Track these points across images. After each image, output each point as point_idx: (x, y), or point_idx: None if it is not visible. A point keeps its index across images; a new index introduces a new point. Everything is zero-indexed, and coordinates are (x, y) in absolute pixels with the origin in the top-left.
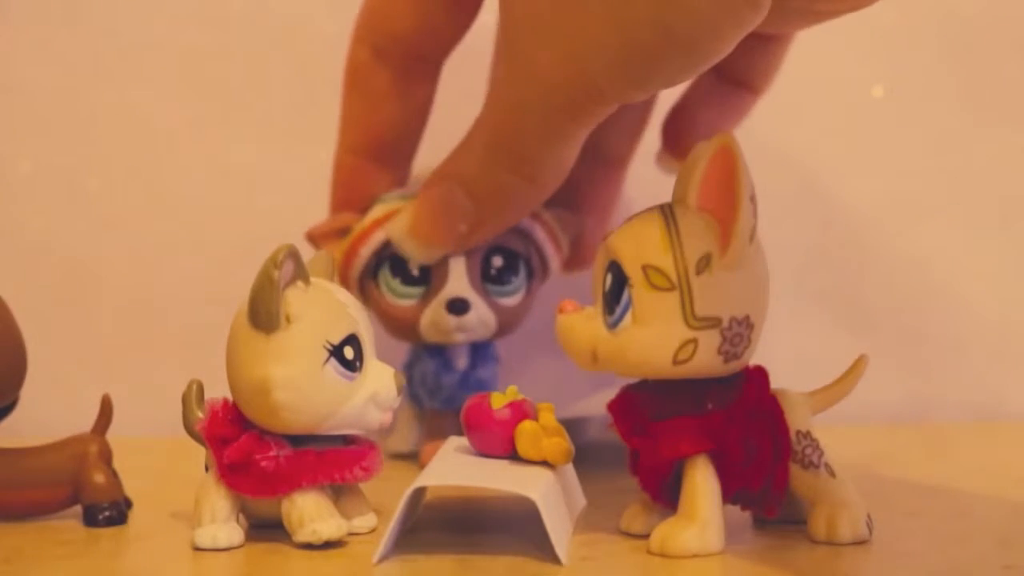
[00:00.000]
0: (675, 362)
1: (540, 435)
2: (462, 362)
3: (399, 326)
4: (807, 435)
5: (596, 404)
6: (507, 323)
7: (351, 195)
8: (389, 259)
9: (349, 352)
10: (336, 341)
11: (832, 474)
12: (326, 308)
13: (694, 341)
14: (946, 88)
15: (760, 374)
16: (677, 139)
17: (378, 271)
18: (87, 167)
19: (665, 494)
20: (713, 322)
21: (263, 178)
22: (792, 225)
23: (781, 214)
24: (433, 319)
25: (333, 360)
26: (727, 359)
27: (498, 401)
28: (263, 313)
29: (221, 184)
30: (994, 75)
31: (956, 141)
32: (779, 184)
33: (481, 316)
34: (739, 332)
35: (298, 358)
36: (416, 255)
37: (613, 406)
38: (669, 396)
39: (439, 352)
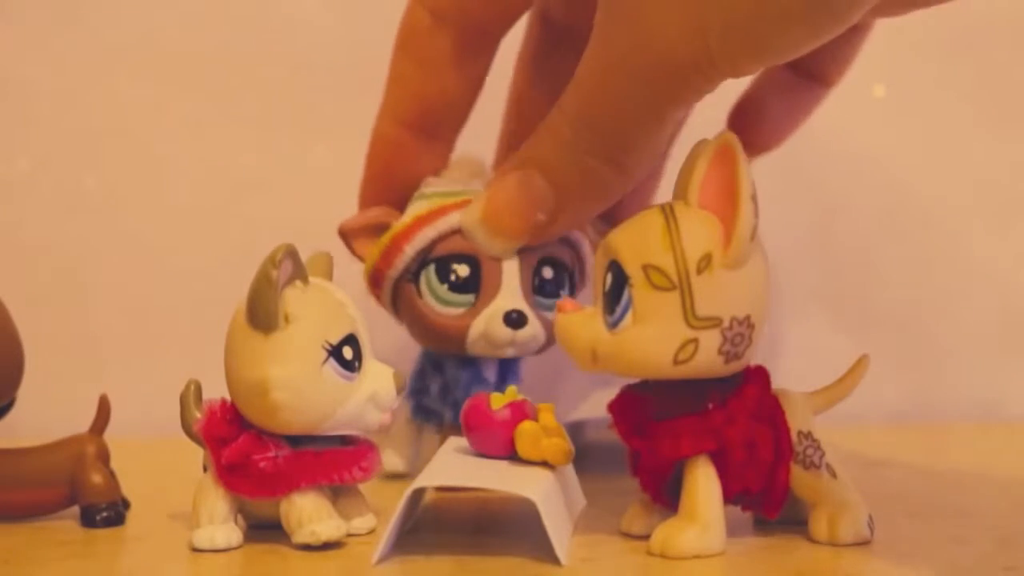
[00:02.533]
0: (675, 362)
1: (540, 435)
2: (492, 375)
3: (439, 335)
4: (808, 435)
5: (599, 405)
6: (551, 339)
7: (390, 169)
8: (435, 262)
9: (348, 352)
10: (335, 341)
11: (833, 475)
12: (325, 308)
13: (695, 341)
14: (948, 87)
15: (761, 374)
16: (745, 134)
17: (419, 274)
18: (85, 166)
19: (665, 495)
20: (714, 322)
21: (262, 177)
22: (793, 224)
23: (782, 213)
24: (486, 331)
25: (332, 360)
26: (728, 359)
27: (498, 401)
28: (261, 313)
29: (219, 183)
30: (997, 74)
31: (958, 140)
32: (780, 183)
33: (534, 330)
34: (740, 332)
35: (296, 358)
36: (488, 246)
37: (613, 406)
38: (669, 396)
39: (472, 364)
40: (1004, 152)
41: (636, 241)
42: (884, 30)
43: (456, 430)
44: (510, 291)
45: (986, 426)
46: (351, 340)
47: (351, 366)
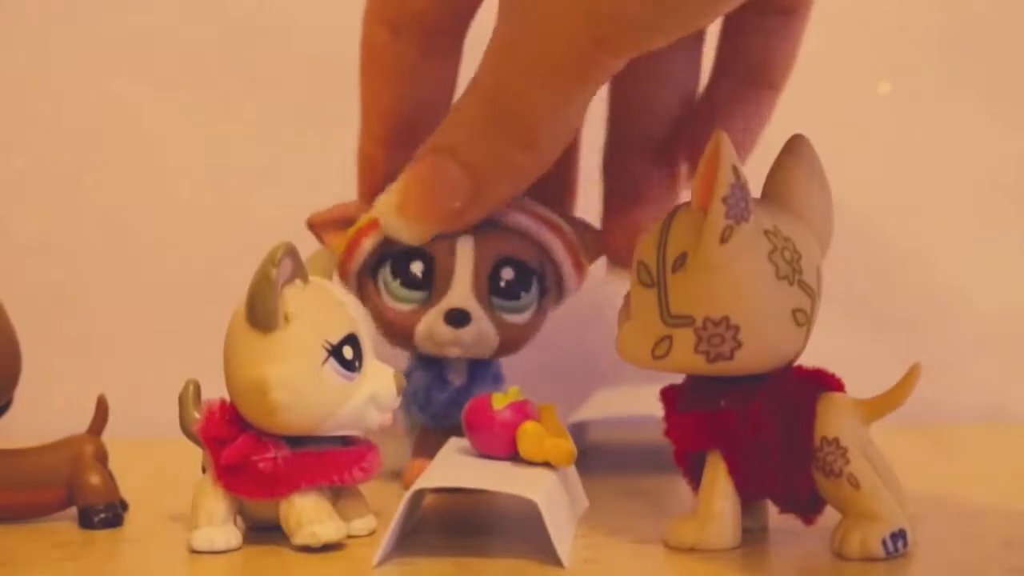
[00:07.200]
0: (653, 357)
1: (542, 436)
2: (458, 378)
3: (393, 331)
4: (833, 442)
5: (601, 405)
6: (511, 342)
7: (377, 187)
8: (391, 257)
9: (348, 352)
10: (335, 340)
11: (855, 486)
12: (325, 307)
13: (668, 338)
14: (953, 84)
15: (793, 375)
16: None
17: (378, 269)
18: (82, 163)
19: (695, 484)
20: (686, 321)
21: (261, 176)
22: None
23: None
24: (429, 329)
25: (332, 360)
26: (710, 359)
27: (499, 401)
28: (261, 312)
29: (219, 182)
30: (1002, 70)
31: (963, 138)
32: None
33: (482, 331)
34: (717, 333)
35: (296, 358)
36: (404, 235)
37: (661, 395)
38: (691, 391)
39: (434, 364)
40: (1009, 151)
41: (643, 238)
42: (888, 26)
43: (425, 431)
44: (460, 290)
45: (992, 428)
46: (351, 340)
47: (351, 366)
